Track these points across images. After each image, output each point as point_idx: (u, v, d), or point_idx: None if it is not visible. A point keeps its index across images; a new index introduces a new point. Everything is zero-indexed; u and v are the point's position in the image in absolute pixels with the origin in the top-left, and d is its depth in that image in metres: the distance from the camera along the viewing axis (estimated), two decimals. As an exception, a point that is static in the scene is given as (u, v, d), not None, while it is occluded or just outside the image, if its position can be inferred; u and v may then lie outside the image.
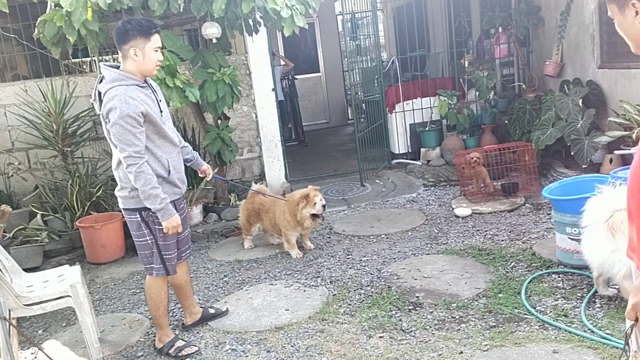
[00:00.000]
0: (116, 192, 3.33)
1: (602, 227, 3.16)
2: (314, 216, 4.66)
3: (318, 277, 4.31)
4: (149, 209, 3.19)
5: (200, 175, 3.83)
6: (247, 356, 3.30)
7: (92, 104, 3.28)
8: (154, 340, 3.57)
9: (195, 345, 3.46)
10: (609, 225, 3.11)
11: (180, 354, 3.39)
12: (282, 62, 9.80)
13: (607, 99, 5.78)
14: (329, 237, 5.27)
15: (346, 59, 9.00)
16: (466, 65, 7.87)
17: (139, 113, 3.06)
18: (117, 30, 3.17)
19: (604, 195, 3.24)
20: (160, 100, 3.33)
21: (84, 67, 7.30)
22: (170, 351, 3.42)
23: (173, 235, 3.33)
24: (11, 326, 3.30)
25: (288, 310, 3.83)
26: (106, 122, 3.12)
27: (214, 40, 5.29)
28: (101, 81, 3.19)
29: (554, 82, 6.73)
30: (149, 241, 3.32)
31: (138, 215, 3.26)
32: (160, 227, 3.25)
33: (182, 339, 3.52)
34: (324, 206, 4.67)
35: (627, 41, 1.90)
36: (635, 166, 1.69)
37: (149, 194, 3.09)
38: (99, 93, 3.18)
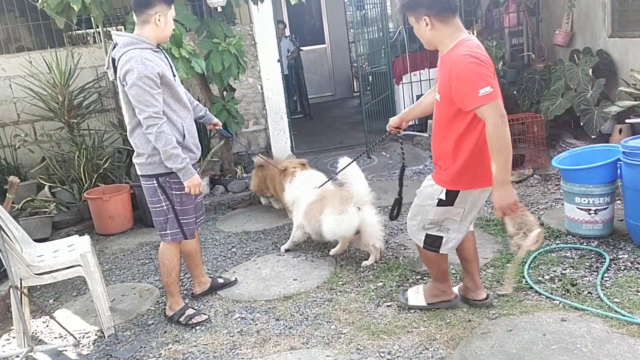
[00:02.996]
0: (134, 159, 3.34)
1: None
2: None
3: (325, 247, 4.33)
4: (166, 175, 3.23)
5: (208, 128, 3.99)
6: (256, 324, 3.33)
7: (106, 72, 3.25)
8: (165, 308, 3.61)
9: (205, 314, 3.50)
10: None
11: (190, 322, 3.42)
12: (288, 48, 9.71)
13: (618, 69, 5.70)
14: (336, 209, 5.27)
15: (352, 30, 8.87)
16: (475, 34, 7.75)
17: (155, 74, 3.07)
18: None
19: None
20: (171, 66, 3.33)
21: (88, 38, 7.23)
22: (180, 319, 3.46)
23: (190, 200, 3.36)
24: (23, 295, 3.35)
25: (296, 280, 3.86)
26: (123, 84, 3.10)
27: (219, 9, 5.22)
28: (114, 48, 3.17)
29: (564, 52, 6.64)
30: (165, 207, 3.33)
31: (155, 181, 3.28)
32: (177, 192, 3.28)
33: (192, 307, 3.55)
34: None
35: (422, 42, 2.81)
36: None
37: (170, 153, 3.10)
38: (113, 60, 3.17)
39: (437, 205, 2.89)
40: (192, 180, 3.20)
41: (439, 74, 2.83)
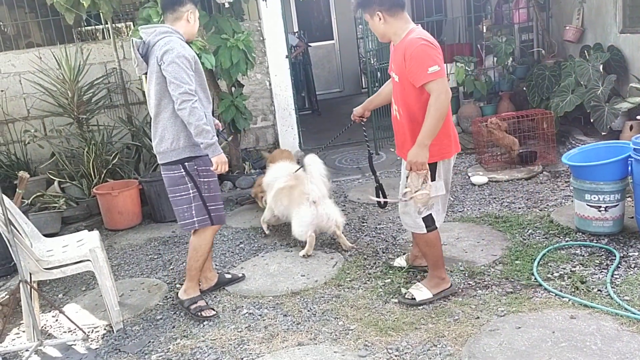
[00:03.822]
0: (155, 149, 3.38)
1: None
2: None
3: (333, 244, 4.32)
4: (192, 160, 3.30)
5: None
6: (264, 320, 3.34)
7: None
8: (173, 296, 3.62)
9: (214, 310, 3.50)
10: None
11: (199, 314, 3.44)
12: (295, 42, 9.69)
13: (629, 65, 5.64)
14: (344, 205, 5.27)
15: (361, 26, 8.85)
16: (484, 30, 7.71)
17: (192, 56, 3.26)
18: None
19: None
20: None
21: (97, 34, 7.25)
22: (191, 307, 3.47)
23: (217, 186, 3.46)
24: (32, 289, 3.37)
25: (304, 276, 3.86)
26: (160, 65, 3.21)
27: (227, 5, 5.22)
28: (138, 47, 3.30)
29: (574, 48, 6.58)
30: (191, 194, 3.36)
31: (181, 168, 3.32)
32: (205, 179, 3.36)
33: (205, 301, 3.57)
34: None
35: (377, 35, 3.21)
36: None
37: (202, 128, 3.16)
38: (147, 49, 3.30)
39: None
40: (220, 157, 3.26)
41: (393, 58, 3.17)
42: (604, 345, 2.66)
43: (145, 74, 3.40)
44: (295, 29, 10.42)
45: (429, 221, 3.23)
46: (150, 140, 5.82)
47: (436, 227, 3.27)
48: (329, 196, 4.31)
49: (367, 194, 5.43)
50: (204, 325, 3.37)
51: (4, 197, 3.16)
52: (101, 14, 5.37)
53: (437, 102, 2.89)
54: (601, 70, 5.60)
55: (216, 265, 4.23)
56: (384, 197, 3.64)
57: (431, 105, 2.90)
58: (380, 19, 3.06)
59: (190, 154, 3.29)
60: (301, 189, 4.21)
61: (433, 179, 3.14)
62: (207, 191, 3.38)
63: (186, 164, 3.31)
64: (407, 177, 3.10)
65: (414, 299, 3.28)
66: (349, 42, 11.84)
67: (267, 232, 4.73)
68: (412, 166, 2.98)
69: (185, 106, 3.14)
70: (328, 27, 11.78)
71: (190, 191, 3.35)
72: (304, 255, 4.12)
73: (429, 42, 2.94)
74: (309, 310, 3.38)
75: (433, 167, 3.12)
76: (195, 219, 3.39)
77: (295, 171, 4.45)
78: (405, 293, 3.36)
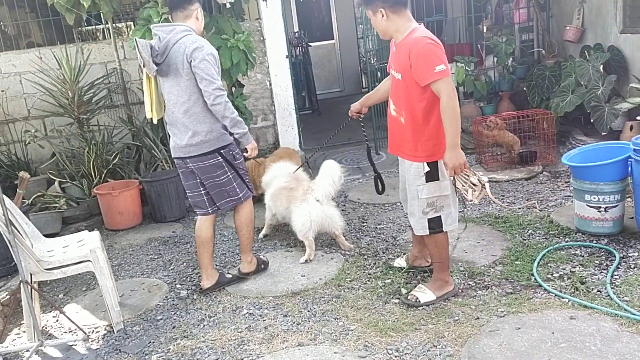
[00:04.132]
0: (188, 141, 3.51)
1: None
2: None
3: (333, 244, 4.33)
4: (226, 147, 3.57)
5: None
6: (264, 320, 3.34)
7: (157, 57, 3.48)
8: (236, 268, 3.99)
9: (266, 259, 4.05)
10: None
11: (261, 265, 3.97)
12: None
13: (629, 65, 5.64)
14: (344, 205, 5.27)
15: (361, 26, 8.85)
16: (484, 30, 7.70)
17: (216, 54, 3.48)
18: None
19: None
20: None
21: (98, 34, 7.26)
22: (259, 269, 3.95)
23: (244, 164, 3.81)
24: (33, 290, 3.38)
25: (304, 276, 3.86)
26: (190, 62, 3.36)
27: (228, 6, 5.22)
28: (153, 45, 3.42)
29: (574, 48, 6.58)
30: (230, 176, 3.64)
31: (218, 156, 3.56)
32: (238, 160, 3.68)
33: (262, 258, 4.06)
34: None
35: (379, 32, 3.20)
36: None
37: (237, 120, 3.47)
38: (166, 46, 3.41)
39: (427, 181, 3.15)
40: (252, 143, 3.66)
41: (395, 57, 3.16)
42: (604, 346, 2.66)
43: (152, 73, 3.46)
44: (296, 29, 10.41)
45: (436, 223, 3.23)
46: (151, 140, 5.88)
47: (442, 231, 3.25)
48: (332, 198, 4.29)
49: (367, 194, 5.44)
50: (204, 326, 3.38)
51: (5, 197, 3.17)
52: (101, 14, 5.37)
53: (451, 101, 2.91)
54: (601, 70, 5.60)
55: (216, 265, 4.24)
56: (382, 185, 3.79)
57: (447, 107, 2.92)
58: (383, 15, 3.06)
59: (223, 143, 3.55)
60: (302, 188, 4.20)
61: (437, 179, 3.15)
62: (241, 170, 3.72)
63: (222, 151, 3.56)
64: (454, 184, 3.12)
65: (418, 300, 3.28)
66: (349, 41, 11.83)
67: (265, 232, 4.69)
68: (455, 170, 2.98)
69: (220, 101, 3.37)
70: (328, 27, 11.77)
71: (229, 173, 3.63)
72: (305, 261, 4.08)
73: (434, 41, 2.96)
74: (309, 311, 3.38)
75: (434, 166, 3.13)
76: (240, 194, 3.72)
77: (295, 171, 4.44)
78: (408, 295, 3.36)
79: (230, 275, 3.90)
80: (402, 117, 3.18)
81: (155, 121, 3.86)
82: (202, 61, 3.33)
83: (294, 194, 4.22)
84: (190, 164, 3.58)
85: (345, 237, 4.32)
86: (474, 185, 3.07)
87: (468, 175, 3.09)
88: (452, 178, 3.11)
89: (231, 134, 3.58)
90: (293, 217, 4.17)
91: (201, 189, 3.68)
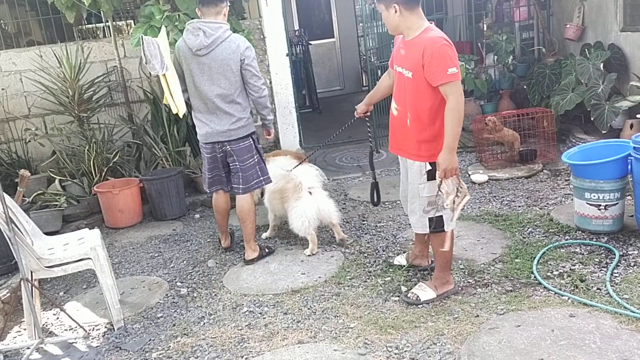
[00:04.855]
0: (230, 127, 3.90)
1: None
2: None
3: (333, 242, 4.33)
4: (254, 133, 4.04)
5: None
6: (264, 318, 3.35)
7: (201, 50, 3.75)
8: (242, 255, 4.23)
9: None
10: None
11: (265, 250, 4.24)
12: None
13: (630, 63, 5.64)
14: (344, 204, 5.27)
15: (361, 24, 8.83)
16: (485, 28, 7.70)
17: None
18: None
19: None
20: None
21: (98, 32, 7.25)
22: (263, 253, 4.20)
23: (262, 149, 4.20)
24: (33, 287, 3.38)
25: (304, 274, 3.87)
26: (242, 59, 3.77)
27: (228, 3, 5.21)
28: (200, 37, 3.72)
29: (575, 46, 6.58)
30: (256, 159, 4.06)
31: (251, 139, 4.01)
32: (260, 145, 4.14)
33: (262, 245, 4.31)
34: None
35: (389, 28, 3.16)
36: None
37: (270, 108, 4.10)
38: (213, 40, 3.71)
39: (428, 180, 3.16)
40: (273, 129, 4.26)
41: (406, 55, 3.12)
42: (603, 344, 2.67)
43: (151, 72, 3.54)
44: (296, 27, 10.40)
45: (437, 222, 3.22)
46: (151, 138, 5.88)
47: (444, 230, 3.24)
48: (324, 189, 4.38)
49: (367, 192, 5.43)
50: (204, 324, 3.39)
51: (5, 195, 3.17)
52: (102, 12, 5.37)
53: (458, 105, 2.93)
54: (602, 68, 5.60)
55: (217, 263, 4.25)
56: (378, 195, 3.82)
57: (452, 110, 2.93)
58: (396, 11, 3.03)
59: (253, 129, 4.03)
60: (292, 185, 4.21)
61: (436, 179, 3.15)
62: (263, 156, 4.14)
63: (253, 136, 4.02)
64: (439, 185, 3.09)
65: (419, 298, 3.29)
66: (350, 40, 11.82)
67: (268, 234, 4.63)
68: (447, 172, 2.99)
69: (265, 94, 3.93)
70: (329, 25, 11.75)
71: (255, 157, 4.05)
72: (309, 255, 4.11)
73: (449, 42, 2.96)
74: (309, 309, 3.39)
75: (434, 166, 3.13)
76: (261, 177, 4.10)
77: (293, 168, 4.42)
78: (408, 292, 3.36)
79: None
80: (406, 117, 3.17)
81: (181, 115, 4.07)
82: (253, 60, 3.80)
83: (286, 195, 4.23)
84: (228, 147, 3.95)
85: (346, 234, 4.32)
86: (457, 193, 3.06)
87: (455, 182, 3.07)
88: (439, 180, 3.07)
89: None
90: (290, 218, 4.20)
91: (222, 172, 4.11)
